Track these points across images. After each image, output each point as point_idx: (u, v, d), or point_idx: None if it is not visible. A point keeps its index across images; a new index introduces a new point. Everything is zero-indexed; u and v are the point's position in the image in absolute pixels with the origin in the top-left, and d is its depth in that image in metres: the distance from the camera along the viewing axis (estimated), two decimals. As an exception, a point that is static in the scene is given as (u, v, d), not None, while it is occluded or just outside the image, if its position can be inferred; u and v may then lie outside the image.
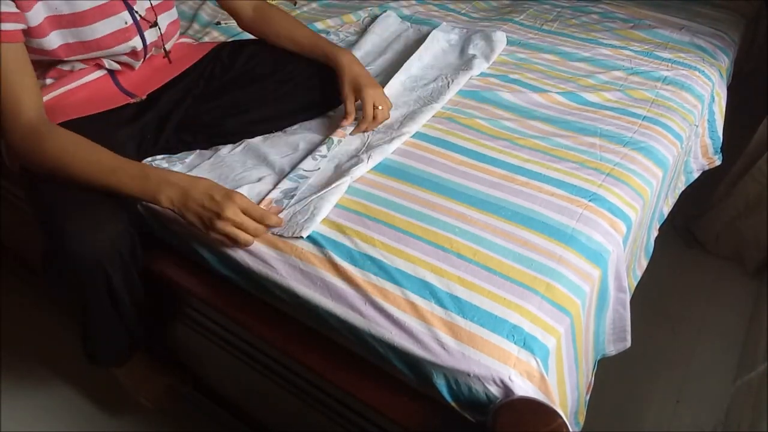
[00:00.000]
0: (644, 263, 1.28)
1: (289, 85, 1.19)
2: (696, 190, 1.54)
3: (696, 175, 1.50)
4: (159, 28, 1.11)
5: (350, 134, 1.17)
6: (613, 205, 1.01)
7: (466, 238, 0.92)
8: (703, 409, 1.33)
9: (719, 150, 1.51)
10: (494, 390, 0.77)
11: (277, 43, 1.24)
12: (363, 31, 1.57)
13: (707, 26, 1.66)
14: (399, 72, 1.33)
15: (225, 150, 1.14)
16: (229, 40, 1.49)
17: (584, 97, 1.30)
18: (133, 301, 1.00)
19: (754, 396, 1.18)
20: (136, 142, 1.09)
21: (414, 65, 1.38)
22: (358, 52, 1.46)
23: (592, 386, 1.06)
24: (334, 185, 1.00)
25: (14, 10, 0.89)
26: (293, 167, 1.08)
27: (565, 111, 1.26)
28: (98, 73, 1.09)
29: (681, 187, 1.46)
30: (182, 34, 1.27)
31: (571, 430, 0.72)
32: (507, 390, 0.77)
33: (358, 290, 0.87)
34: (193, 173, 1.07)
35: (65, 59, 1.01)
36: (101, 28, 1.00)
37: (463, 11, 1.75)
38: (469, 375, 0.78)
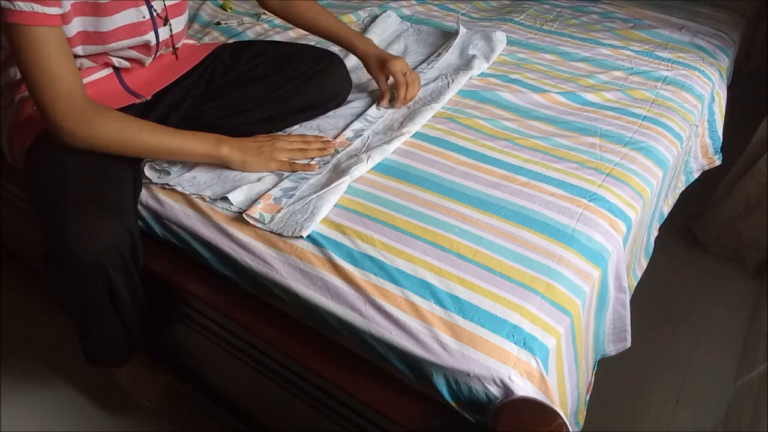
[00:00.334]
0: (644, 263, 1.28)
1: (290, 86, 1.19)
2: (696, 190, 1.54)
3: (696, 175, 1.50)
4: (171, 27, 1.12)
5: (395, 107, 1.24)
6: (613, 205, 1.01)
7: (466, 238, 0.92)
8: (703, 409, 1.33)
9: (719, 150, 1.51)
10: (494, 390, 0.77)
11: (300, 25, 1.30)
12: (363, 32, 1.57)
13: (707, 26, 1.66)
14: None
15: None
16: (230, 40, 1.50)
17: (584, 97, 1.30)
18: (133, 301, 1.00)
19: (754, 396, 1.18)
20: None
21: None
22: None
23: (592, 386, 1.06)
24: (333, 185, 1.00)
25: None
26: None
27: (565, 111, 1.26)
28: (104, 72, 1.09)
29: (681, 187, 1.46)
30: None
31: (571, 430, 0.72)
32: (507, 390, 0.77)
33: (358, 290, 0.87)
34: (193, 173, 1.07)
35: (76, 51, 1.00)
36: (119, 19, 1.01)
37: (463, 11, 1.75)
38: (469, 375, 0.78)
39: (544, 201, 0.99)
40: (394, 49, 1.49)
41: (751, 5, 1.87)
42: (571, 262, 0.90)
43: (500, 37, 1.50)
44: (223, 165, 1.06)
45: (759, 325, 1.45)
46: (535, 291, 0.85)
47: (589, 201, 1.00)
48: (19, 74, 1.02)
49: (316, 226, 0.95)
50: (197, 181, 1.05)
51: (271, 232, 0.95)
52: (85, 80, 1.05)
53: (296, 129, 1.20)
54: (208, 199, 1.02)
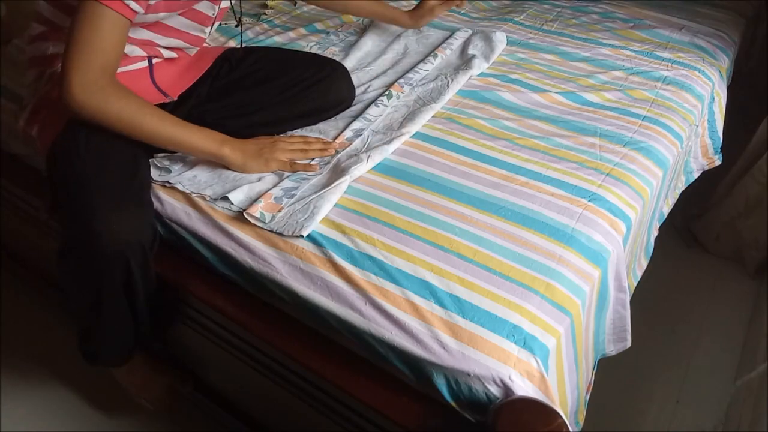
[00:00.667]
0: (644, 263, 1.28)
1: (294, 90, 1.20)
2: (696, 190, 1.54)
3: (696, 175, 1.50)
4: (212, 28, 1.15)
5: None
6: (613, 205, 1.01)
7: (466, 238, 0.92)
8: (703, 409, 1.33)
9: (719, 150, 1.51)
10: (494, 390, 0.77)
11: (341, 9, 1.47)
12: (363, 31, 1.57)
13: (707, 26, 1.65)
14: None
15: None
16: (230, 40, 1.50)
17: (584, 97, 1.30)
18: (147, 296, 1.00)
19: (754, 396, 1.18)
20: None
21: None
22: (358, 53, 1.46)
23: (592, 386, 1.06)
24: (333, 185, 1.00)
25: None
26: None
27: (565, 111, 1.26)
28: (139, 64, 1.11)
29: (681, 187, 1.46)
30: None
31: (571, 429, 0.72)
32: (507, 390, 0.77)
33: (358, 290, 0.87)
34: (194, 171, 1.07)
35: (158, 16, 1.02)
36: (197, 6, 1.06)
37: (463, 11, 1.75)
38: (469, 375, 0.78)
39: (544, 201, 0.99)
40: (394, 49, 1.49)
41: (751, 5, 1.87)
42: (571, 262, 0.90)
43: (500, 38, 1.50)
44: (224, 165, 1.06)
45: (759, 325, 1.45)
46: (535, 291, 0.85)
47: (589, 201, 1.00)
48: (52, 49, 1.05)
49: (316, 226, 0.95)
50: (198, 180, 1.05)
51: (272, 231, 0.95)
52: (120, 70, 1.07)
53: (297, 131, 1.20)
54: (208, 198, 1.02)
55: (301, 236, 0.93)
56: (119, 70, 1.04)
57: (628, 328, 1.06)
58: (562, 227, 0.95)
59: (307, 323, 0.93)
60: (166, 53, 1.13)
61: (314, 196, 0.99)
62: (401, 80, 1.33)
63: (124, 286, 0.95)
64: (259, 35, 1.57)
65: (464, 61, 1.41)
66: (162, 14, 1.01)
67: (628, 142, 1.16)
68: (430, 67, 1.38)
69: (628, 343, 1.08)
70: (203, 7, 1.08)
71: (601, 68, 1.42)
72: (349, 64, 1.36)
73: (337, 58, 1.35)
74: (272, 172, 1.07)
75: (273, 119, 1.18)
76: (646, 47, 1.52)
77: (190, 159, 1.12)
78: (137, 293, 0.98)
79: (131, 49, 1.06)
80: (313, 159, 1.10)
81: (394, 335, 0.82)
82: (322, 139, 1.15)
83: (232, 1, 1.13)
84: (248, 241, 0.95)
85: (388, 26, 1.61)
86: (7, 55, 1.43)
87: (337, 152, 1.11)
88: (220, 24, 1.63)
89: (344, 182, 1.01)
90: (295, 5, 1.76)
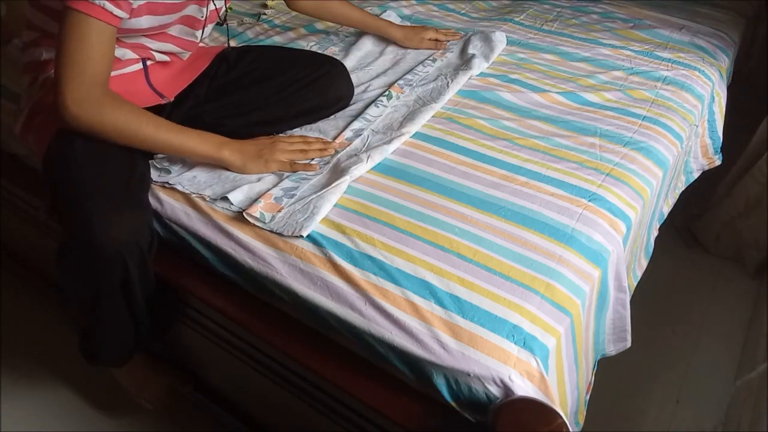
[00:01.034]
0: (644, 263, 1.28)
1: (291, 89, 1.19)
2: (696, 190, 1.54)
3: (696, 175, 1.50)
4: (203, 31, 1.14)
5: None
6: (613, 205, 1.01)
7: (466, 238, 0.92)
8: (703, 409, 1.33)
9: (719, 150, 1.51)
10: (494, 390, 0.77)
11: (332, 20, 1.46)
12: (363, 32, 1.56)
13: (707, 26, 1.65)
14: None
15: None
16: (230, 39, 1.50)
17: (584, 97, 1.30)
18: (145, 297, 1.00)
19: (754, 396, 1.18)
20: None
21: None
22: (358, 53, 1.46)
23: (592, 386, 1.06)
24: (333, 185, 1.00)
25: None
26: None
27: (565, 111, 1.26)
28: (134, 67, 1.10)
29: (681, 187, 1.46)
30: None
31: (571, 429, 0.72)
32: (507, 390, 0.77)
33: (358, 290, 0.87)
34: (194, 172, 1.07)
35: (140, 23, 1.02)
36: (185, 11, 1.05)
37: (463, 11, 1.75)
38: (469, 375, 0.78)
39: (544, 201, 0.99)
40: (394, 50, 1.49)
41: (751, 5, 1.87)
42: (571, 262, 0.90)
43: (500, 38, 1.50)
44: (223, 167, 1.06)
45: (759, 325, 1.45)
46: (535, 291, 0.85)
47: (589, 201, 1.00)
48: (45, 55, 1.05)
49: (316, 226, 0.95)
50: (197, 181, 1.05)
51: (272, 231, 0.95)
52: (113, 73, 1.07)
53: (297, 131, 1.20)
54: (208, 199, 1.02)
55: (301, 236, 0.93)
56: (114, 73, 1.04)
57: (628, 328, 1.06)
58: (562, 227, 0.95)
59: (307, 323, 0.93)
60: (159, 56, 1.12)
61: (314, 196, 0.99)
62: (401, 81, 1.33)
63: (122, 287, 0.95)
64: (259, 35, 1.57)
65: (464, 61, 1.41)
66: (146, 23, 1.00)
67: (628, 142, 1.16)
68: (430, 69, 1.38)
69: (628, 343, 1.08)
70: (192, 11, 1.07)
71: (601, 68, 1.42)
72: (349, 63, 1.36)
73: (337, 58, 1.35)
74: (272, 172, 1.07)
75: (272, 118, 1.18)
76: (646, 47, 1.52)
77: (189, 159, 1.12)
78: (135, 294, 0.97)
79: (123, 53, 1.06)
80: (312, 159, 1.10)
81: (394, 335, 0.82)
82: (321, 139, 1.15)
83: (217, 4, 1.11)
84: (248, 241, 0.95)
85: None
86: (7, 55, 1.44)
87: (336, 152, 1.11)
88: (220, 24, 1.63)
89: (344, 182, 1.01)
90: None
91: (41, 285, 1.47)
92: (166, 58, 1.13)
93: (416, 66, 1.40)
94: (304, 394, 0.95)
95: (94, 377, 1.30)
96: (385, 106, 1.24)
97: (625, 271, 1.02)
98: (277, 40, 1.53)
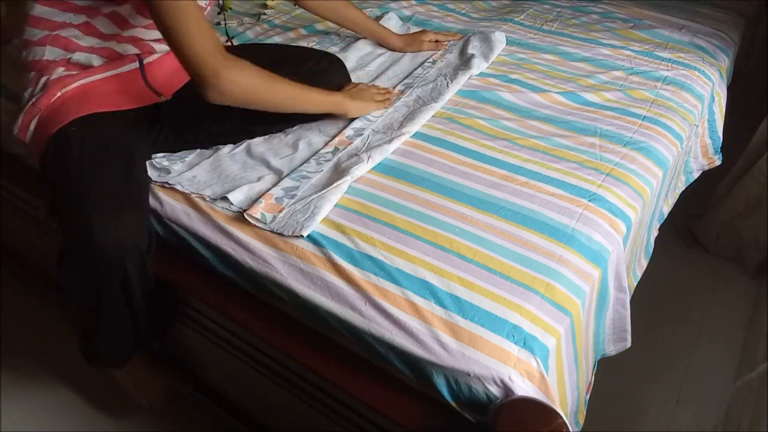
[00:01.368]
0: (644, 263, 1.28)
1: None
2: (696, 190, 1.54)
3: (696, 175, 1.50)
4: None
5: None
6: (613, 205, 1.01)
7: (466, 238, 0.92)
8: (703, 409, 1.33)
9: (719, 150, 1.51)
10: (494, 390, 0.77)
11: (333, 19, 1.45)
12: (363, 32, 1.57)
13: (707, 26, 1.65)
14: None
15: (225, 150, 1.14)
16: (230, 39, 1.50)
17: (584, 97, 1.30)
18: (144, 298, 1.00)
19: (754, 396, 1.18)
20: (147, 142, 1.10)
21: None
22: (358, 53, 1.46)
23: (592, 386, 1.06)
24: (334, 185, 1.00)
25: None
26: (293, 168, 1.08)
27: (565, 111, 1.26)
28: (130, 66, 1.10)
29: (681, 187, 1.46)
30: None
31: (571, 429, 0.72)
32: (507, 390, 0.77)
33: (358, 290, 0.87)
34: (193, 172, 1.07)
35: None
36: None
37: (463, 11, 1.75)
38: (469, 375, 0.78)
39: (544, 201, 0.99)
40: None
41: (751, 5, 1.87)
42: (571, 262, 0.90)
43: (499, 38, 1.50)
44: (341, 113, 1.17)
45: (759, 325, 1.45)
46: (535, 291, 0.85)
47: (589, 201, 1.00)
48: (48, 55, 1.04)
49: (316, 226, 0.95)
50: (197, 181, 1.05)
51: (272, 231, 0.95)
52: (110, 73, 1.06)
53: (296, 128, 1.20)
54: (208, 199, 1.02)
55: (301, 236, 0.93)
56: (110, 72, 1.05)
57: (628, 328, 1.06)
58: (562, 227, 0.95)
59: (307, 323, 0.93)
60: (158, 47, 1.11)
61: (315, 196, 0.99)
62: (400, 86, 1.33)
63: (122, 287, 0.96)
64: (259, 35, 1.57)
65: (464, 60, 1.41)
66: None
67: (628, 142, 1.16)
68: (430, 71, 1.38)
69: (628, 343, 1.08)
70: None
71: (601, 68, 1.42)
72: (348, 63, 1.36)
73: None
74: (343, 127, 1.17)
75: (271, 117, 1.17)
76: (646, 47, 1.52)
77: (189, 159, 1.12)
78: (135, 295, 0.98)
79: (123, 48, 1.06)
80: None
81: (394, 335, 0.82)
82: (380, 88, 1.28)
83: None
84: (248, 241, 0.95)
85: (390, 28, 1.61)
86: (7, 55, 1.43)
87: (337, 150, 1.11)
88: (220, 24, 1.63)
89: (345, 182, 1.01)
90: (295, 5, 1.76)
91: (41, 285, 1.47)
92: (165, 47, 1.12)
93: (416, 69, 1.40)
94: (304, 394, 0.95)
95: (94, 377, 1.30)
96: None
97: (625, 271, 1.02)
98: (277, 40, 1.53)
